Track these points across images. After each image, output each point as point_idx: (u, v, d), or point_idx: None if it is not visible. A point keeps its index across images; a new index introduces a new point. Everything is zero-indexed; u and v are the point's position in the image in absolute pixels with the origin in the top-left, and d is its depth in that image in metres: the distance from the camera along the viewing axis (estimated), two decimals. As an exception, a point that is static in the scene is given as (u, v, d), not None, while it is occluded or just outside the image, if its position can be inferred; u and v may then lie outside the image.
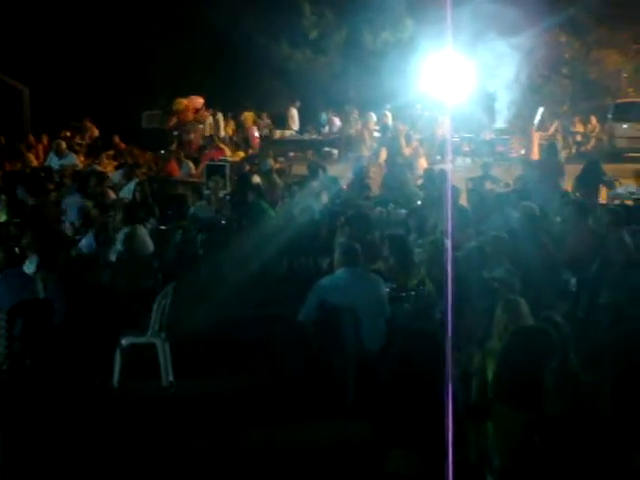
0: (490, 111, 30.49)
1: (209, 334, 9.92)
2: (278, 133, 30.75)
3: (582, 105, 33.58)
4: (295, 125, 31.29)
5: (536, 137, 26.93)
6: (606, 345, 5.19)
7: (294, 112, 31.44)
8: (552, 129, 28.47)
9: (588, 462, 4.74)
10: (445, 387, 5.58)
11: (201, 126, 28.07)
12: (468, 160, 26.77)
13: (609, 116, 30.30)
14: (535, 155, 24.72)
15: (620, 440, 4.62)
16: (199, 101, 29.28)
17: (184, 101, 29.24)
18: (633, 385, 4.71)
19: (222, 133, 29.04)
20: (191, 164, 20.15)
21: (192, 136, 26.64)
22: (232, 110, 30.62)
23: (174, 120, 28.95)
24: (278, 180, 16.83)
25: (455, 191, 12.98)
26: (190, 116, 28.87)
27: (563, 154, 29.95)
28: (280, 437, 7.53)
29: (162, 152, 23.12)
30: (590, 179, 14.41)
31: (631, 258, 9.73)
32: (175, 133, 27.74)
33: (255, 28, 30.35)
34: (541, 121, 29.14)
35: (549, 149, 16.87)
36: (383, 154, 23.73)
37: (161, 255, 11.53)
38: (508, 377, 5.07)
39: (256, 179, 16.30)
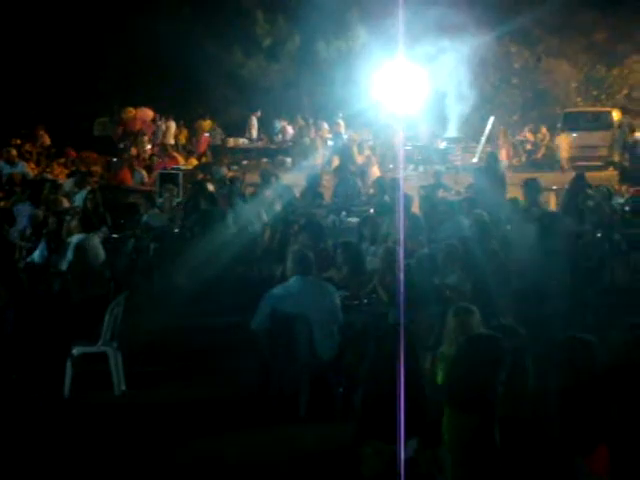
0: (442, 120, 30.72)
1: (162, 343, 9.88)
2: (231, 141, 30.73)
3: (532, 114, 33.98)
4: (255, 133, 31.32)
5: (505, 144, 27.33)
6: (554, 351, 5.25)
7: (254, 120, 31.47)
8: (501, 138, 28.79)
9: (537, 465, 4.81)
10: (398, 390, 5.66)
11: (146, 138, 27.84)
12: (420, 168, 26.95)
13: (558, 125, 30.67)
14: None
15: (566, 444, 4.69)
16: (149, 113, 29.14)
17: (133, 110, 29.10)
18: (578, 390, 4.78)
19: (172, 141, 28.91)
20: (144, 172, 20.07)
21: (134, 150, 26.40)
22: (185, 118, 30.55)
23: (120, 129, 28.77)
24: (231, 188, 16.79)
25: (407, 199, 13.06)
26: (137, 126, 28.70)
27: (514, 162, 30.39)
28: (232, 446, 7.51)
29: (114, 160, 22.99)
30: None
31: (580, 266, 9.86)
32: (121, 146, 27.52)
33: (208, 36, 30.33)
34: (492, 130, 29.43)
35: (490, 158, 17.02)
36: (336, 162, 23.81)
37: (113, 264, 11.46)
38: (460, 382, 5.12)
39: (209, 187, 16.26)
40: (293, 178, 18.50)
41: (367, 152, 23.73)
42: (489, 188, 14.05)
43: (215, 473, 7.06)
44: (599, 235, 12.68)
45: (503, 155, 26.69)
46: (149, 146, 27.08)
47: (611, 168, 27.04)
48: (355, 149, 23.68)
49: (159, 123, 29.69)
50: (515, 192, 14.89)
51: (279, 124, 31.86)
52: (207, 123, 31.18)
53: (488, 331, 5.83)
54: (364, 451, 5.53)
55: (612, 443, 4.77)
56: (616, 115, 30.42)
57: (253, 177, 20.39)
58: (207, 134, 30.16)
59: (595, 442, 4.70)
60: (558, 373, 4.99)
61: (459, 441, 5.02)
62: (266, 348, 8.36)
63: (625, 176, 21.37)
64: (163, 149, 25.85)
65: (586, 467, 4.65)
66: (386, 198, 14.10)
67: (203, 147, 28.77)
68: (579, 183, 14.31)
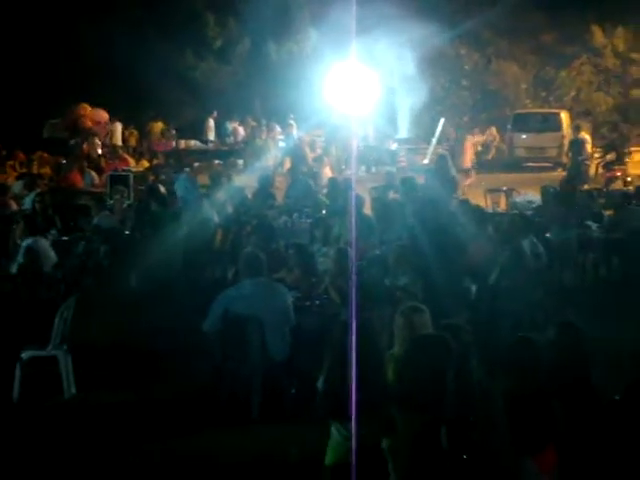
0: (393, 121, 30.86)
1: (113, 345, 9.82)
2: (183, 143, 30.60)
3: (482, 116, 34.29)
4: (212, 135, 31.20)
5: (469, 144, 27.54)
6: (503, 351, 5.30)
7: (211, 122, 31.37)
8: (452, 136, 28.97)
9: (484, 465, 4.86)
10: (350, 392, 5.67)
11: (97, 139, 27.60)
12: (372, 169, 27.06)
13: (508, 126, 30.99)
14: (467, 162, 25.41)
15: (514, 444, 4.74)
16: (103, 115, 28.87)
17: (87, 107, 28.79)
18: (524, 391, 4.83)
19: (119, 142, 28.68)
20: (94, 174, 19.89)
21: (85, 146, 26.14)
22: (137, 120, 30.36)
23: (71, 125, 28.40)
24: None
25: (359, 200, 13.10)
26: (89, 124, 28.41)
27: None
28: (184, 448, 7.49)
29: (64, 162, 22.76)
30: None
31: (529, 266, 9.97)
32: (72, 142, 27.23)
33: (159, 38, 30.19)
34: (442, 132, 29.62)
35: (441, 160, 17.16)
36: (287, 164, 23.83)
37: (63, 266, 11.37)
38: (407, 382, 5.15)
39: (161, 189, 16.18)
40: (245, 179, 18.46)
41: (319, 152, 23.77)
42: (440, 189, 14.16)
43: (166, 475, 7.03)
44: (548, 235, 12.85)
45: (467, 159, 26.93)
46: (99, 149, 26.85)
47: (560, 169, 27.38)
48: (307, 150, 23.70)
49: (107, 125, 29.47)
50: (468, 194, 15.03)
51: (231, 126, 31.80)
52: (158, 125, 31.02)
53: (435, 331, 5.87)
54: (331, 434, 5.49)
55: (559, 443, 4.83)
56: (565, 117, 30.81)
57: (205, 179, 20.31)
58: (161, 137, 30.04)
59: (543, 442, 4.76)
60: (505, 373, 5.04)
61: (405, 441, 5.05)
62: (218, 350, 8.35)
63: (570, 176, 21.63)
64: (113, 151, 25.63)
65: (534, 467, 4.71)
66: (337, 199, 14.15)
67: (159, 149, 28.62)
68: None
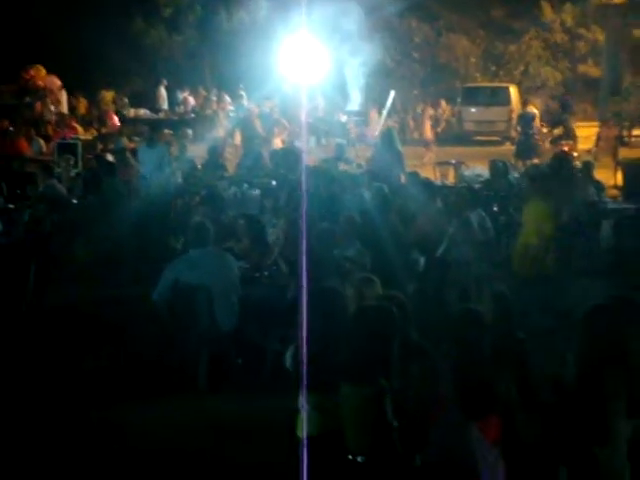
0: (344, 93, 30.87)
1: (60, 314, 9.75)
2: (132, 112, 30.28)
3: (432, 89, 34.40)
4: (164, 104, 30.88)
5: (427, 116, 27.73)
6: (450, 323, 5.37)
7: (162, 91, 31.05)
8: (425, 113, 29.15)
9: (429, 431, 4.95)
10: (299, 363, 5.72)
11: (49, 99, 27.19)
12: (323, 141, 27.07)
13: (458, 100, 31.15)
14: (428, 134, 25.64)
15: (460, 409, 4.83)
16: (55, 82, 28.37)
17: (41, 69, 28.24)
18: (469, 361, 4.92)
19: (65, 110, 28.27)
20: (42, 142, 19.68)
21: (38, 106, 25.73)
22: (85, 88, 29.94)
23: (23, 84, 27.86)
24: (131, 160, 16.62)
25: (309, 172, 13.10)
26: (41, 85, 27.91)
27: (414, 136, 30.77)
28: (130, 416, 7.49)
29: (10, 129, 22.43)
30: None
31: (476, 239, 10.08)
32: (25, 101, 26.72)
33: (108, 3, 29.79)
34: (393, 104, 29.67)
35: (386, 134, 17.20)
36: (238, 135, 23.74)
37: (9, 234, 11.25)
38: (351, 353, 5.21)
39: (109, 158, 16.06)
40: (195, 150, 18.37)
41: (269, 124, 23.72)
42: (388, 161, 14.22)
43: (113, 442, 7.03)
44: (495, 209, 12.98)
45: (428, 131, 27.11)
46: (52, 113, 26.49)
47: (508, 143, 27.61)
48: (256, 121, 23.63)
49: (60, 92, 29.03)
50: (416, 167, 15.11)
51: (181, 95, 31.55)
52: (110, 94, 30.64)
53: (378, 302, 5.90)
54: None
55: (503, 414, 4.94)
56: (514, 91, 31.04)
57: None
58: (111, 106, 29.70)
59: (486, 409, 4.86)
60: (451, 343, 5.12)
61: (350, 414, 5.12)
62: (167, 319, 8.35)
63: (519, 150, 21.86)
64: (61, 119, 25.28)
65: (478, 432, 4.80)
66: (285, 170, 14.15)
67: (110, 118, 28.29)
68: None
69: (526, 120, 22.73)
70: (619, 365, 5.00)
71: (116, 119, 27.62)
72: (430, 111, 29.84)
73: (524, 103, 25.03)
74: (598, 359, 4.85)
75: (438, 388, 4.89)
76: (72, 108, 28.87)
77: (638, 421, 5.18)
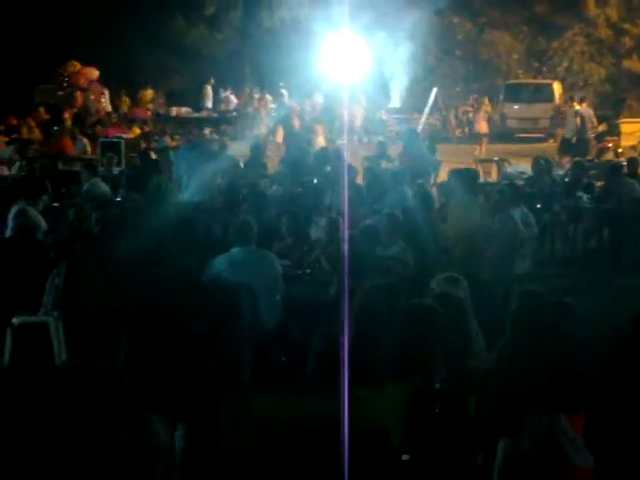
0: (385, 91, 30.80)
1: (104, 312, 9.79)
2: (174, 110, 30.47)
3: (475, 86, 34.20)
4: (209, 102, 31.04)
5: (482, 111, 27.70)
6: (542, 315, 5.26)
7: (209, 90, 31.22)
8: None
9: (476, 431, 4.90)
10: (342, 360, 5.71)
11: (93, 97, 27.44)
12: (364, 139, 27.03)
13: (501, 97, 30.93)
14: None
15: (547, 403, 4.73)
16: (94, 72, 28.60)
17: (77, 65, 28.54)
18: (565, 354, 4.83)
19: (109, 108, 28.51)
20: (86, 141, 19.83)
21: (79, 99, 25.94)
22: (126, 86, 30.16)
23: (64, 82, 28.13)
24: (174, 158, 16.70)
25: (351, 170, 13.09)
26: (82, 82, 28.15)
27: (457, 133, 30.61)
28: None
29: (55, 128, 22.66)
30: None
31: (519, 236, 10.00)
32: (63, 93, 26.91)
33: (150, 3, 29.96)
34: (435, 101, 29.57)
35: (409, 135, 17.16)
36: (280, 132, 23.78)
37: (54, 232, 11.33)
38: (394, 352, 5.19)
39: (152, 156, 16.14)
40: (237, 148, 18.41)
41: (310, 122, 23.75)
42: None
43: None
44: (539, 206, 12.88)
45: (482, 126, 27.03)
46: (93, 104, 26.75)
47: (552, 140, 27.37)
48: (296, 119, 23.68)
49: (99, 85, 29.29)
50: (458, 163, 15.03)
51: (223, 93, 31.67)
52: (149, 92, 30.85)
53: (424, 301, 5.86)
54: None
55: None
56: (557, 87, 30.75)
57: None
58: (149, 104, 29.91)
59: (578, 404, 4.76)
60: (543, 336, 5.00)
61: (395, 411, 5.10)
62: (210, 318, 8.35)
63: (564, 148, 21.67)
64: (106, 118, 25.51)
65: (567, 424, 4.69)
66: (328, 168, 14.15)
67: (146, 116, 28.50)
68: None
69: (580, 118, 22.46)
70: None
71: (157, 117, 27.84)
72: (486, 106, 29.60)
73: (580, 100, 24.70)
74: None
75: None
76: (115, 107, 29.13)
77: None
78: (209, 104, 31.10)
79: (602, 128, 23.53)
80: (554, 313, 5.18)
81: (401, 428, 5.15)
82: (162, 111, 29.93)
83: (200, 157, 14.69)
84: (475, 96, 30.96)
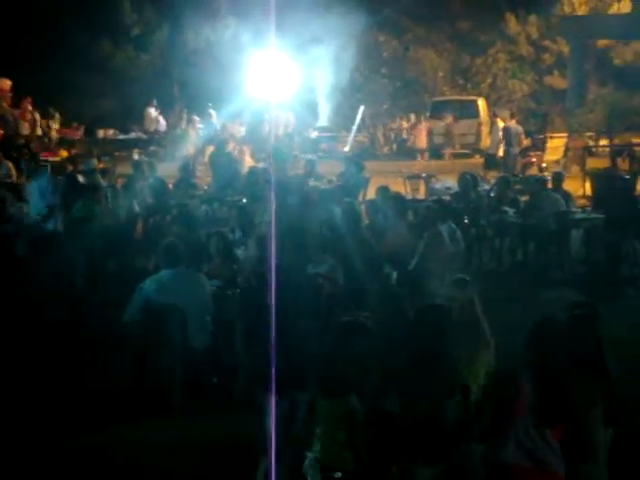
0: (313, 110, 30.96)
1: (32, 338, 9.65)
2: (102, 132, 30.21)
3: (402, 103, 34.57)
4: (152, 125, 30.62)
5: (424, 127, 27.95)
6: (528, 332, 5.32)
7: (150, 112, 30.82)
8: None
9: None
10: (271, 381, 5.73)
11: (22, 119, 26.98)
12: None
13: (427, 114, 31.31)
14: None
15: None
16: (6, 83, 27.92)
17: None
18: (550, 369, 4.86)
19: (39, 132, 28.11)
20: (10, 164, 19.53)
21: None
22: (55, 109, 29.80)
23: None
24: (102, 180, 16.57)
25: (280, 189, 13.12)
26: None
27: (385, 150, 30.90)
28: (106, 439, 7.45)
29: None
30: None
31: (448, 251, 10.13)
32: None
33: (75, 26, 29.69)
34: (362, 119, 29.82)
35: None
36: (209, 152, 23.73)
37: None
38: (329, 367, 5.23)
39: (79, 179, 15.96)
40: (166, 169, 18.32)
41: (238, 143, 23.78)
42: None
43: (88, 467, 6.97)
44: (466, 221, 13.05)
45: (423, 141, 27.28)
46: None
47: (477, 155, 27.77)
48: (229, 139, 23.67)
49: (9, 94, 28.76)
50: (385, 181, 15.13)
51: (152, 114, 31.45)
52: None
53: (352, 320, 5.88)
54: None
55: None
56: (482, 104, 31.23)
57: (125, 168, 20.13)
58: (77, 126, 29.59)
59: (561, 418, 4.81)
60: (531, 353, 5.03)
61: (329, 427, 5.14)
62: (139, 341, 8.32)
63: (489, 163, 22.04)
64: (36, 140, 25.20)
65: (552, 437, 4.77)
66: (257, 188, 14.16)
67: (76, 137, 28.16)
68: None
69: (509, 134, 22.82)
70: (594, 374, 5.04)
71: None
72: (426, 123, 29.95)
73: (511, 116, 25.14)
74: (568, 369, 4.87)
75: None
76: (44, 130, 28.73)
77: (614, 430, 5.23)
78: (152, 126, 30.65)
79: (527, 143, 23.96)
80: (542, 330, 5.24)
81: (332, 445, 5.16)
82: (78, 133, 29.47)
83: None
84: (414, 112, 31.36)
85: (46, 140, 26.48)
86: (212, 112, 29.16)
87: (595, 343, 5.21)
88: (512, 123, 23.87)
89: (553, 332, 5.11)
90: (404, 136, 31.93)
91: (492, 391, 4.70)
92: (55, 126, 29.40)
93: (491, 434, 4.64)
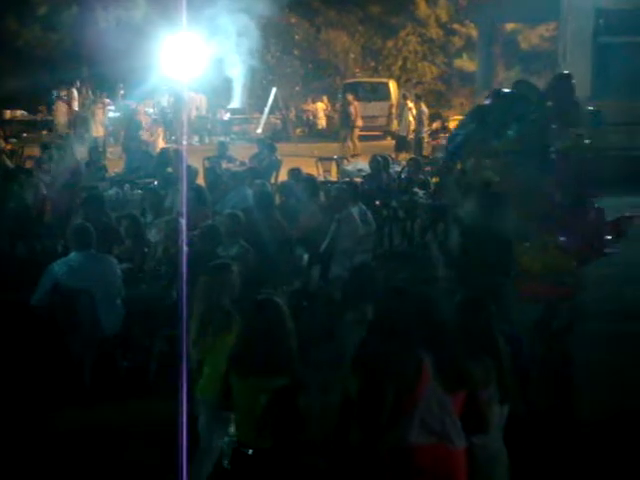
0: (226, 91, 30.83)
1: None
2: (9, 113, 29.60)
3: (314, 85, 34.65)
4: (76, 105, 29.97)
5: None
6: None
7: (75, 93, 30.16)
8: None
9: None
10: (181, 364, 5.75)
11: None
12: (206, 140, 27.00)
13: (339, 95, 31.45)
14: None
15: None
16: None
17: None
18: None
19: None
20: None
21: None
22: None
23: None
24: (8, 162, 16.29)
25: (191, 171, 13.07)
26: None
27: (297, 132, 30.94)
28: (20, 427, 7.36)
29: None
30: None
31: (358, 233, 10.22)
32: None
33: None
34: (275, 101, 29.80)
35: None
36: (121, 134, 23.49)
37: None
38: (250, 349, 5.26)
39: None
40: (75, 151, 18.05)
41: (150, 124, 23.56)
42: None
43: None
44: (377, 203, 13.19)
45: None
46: None
47: (389, 137, 28.03)
48: (144, 120, 23.44)
49: None
50: (298, 163, 15.20)
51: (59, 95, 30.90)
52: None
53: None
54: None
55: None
56: (393, 86, 31.48)
57: (33, 150, 19.79)
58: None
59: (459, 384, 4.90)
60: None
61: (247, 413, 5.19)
62: (48, 324, 8.22)
63: (400, 145, 22.28)
64: None
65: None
66: (169, 170, 14.10)
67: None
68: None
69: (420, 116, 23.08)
70: (488, 353, 5.16)
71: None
72: (337, 104, 29.86)
73: (417, 98, 25.39)
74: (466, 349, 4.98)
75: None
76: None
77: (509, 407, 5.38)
78: (75, 107, 30.05)
79: (437, 125, 24.29)
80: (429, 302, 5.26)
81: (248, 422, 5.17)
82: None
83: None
84: (326, 94, 31.43)
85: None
86: (122, 93, 28.83)
87: (485, 323, 5.33)
88: (421, 106, 24.15)
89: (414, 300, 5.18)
90: (316, 118, 32.05)
91: (392, 373, 4.72)
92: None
93: (395, 418, 4.68)
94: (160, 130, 23.12)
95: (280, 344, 5.24)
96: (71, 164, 14.93)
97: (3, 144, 20.22)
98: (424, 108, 24.08)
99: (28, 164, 16.59)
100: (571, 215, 8.13)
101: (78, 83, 30.52)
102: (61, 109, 29.63)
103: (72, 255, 8.39)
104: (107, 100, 29.21)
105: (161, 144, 21.03)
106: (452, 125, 24.21)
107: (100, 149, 17.73)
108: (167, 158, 15.35)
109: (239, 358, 5.33)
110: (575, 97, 8.57)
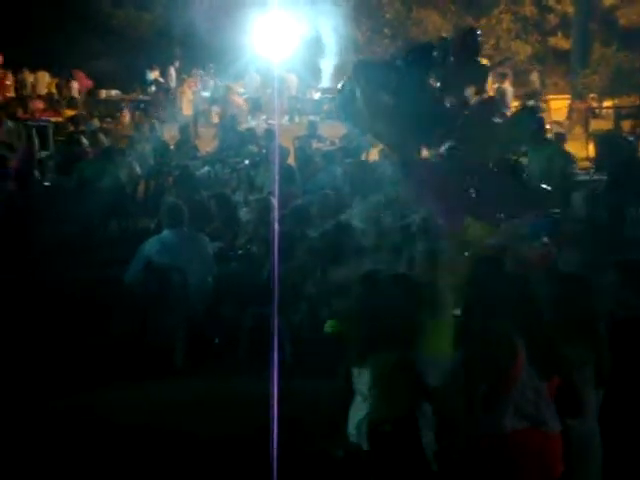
0: (316, 70, 30.80)
1: (36, 297, 9.71)
2: (103, 93, 30.05)
3: (404, 64, 34.31)
4: (173, 84, 30.46)
5: None
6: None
7: (172, 71, 30.66)
8: None
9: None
10: (272, 341, 5.75)
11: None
12: (296, 119, 27.00)
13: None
14: None
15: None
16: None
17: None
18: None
19: (41, 92, 28.00)
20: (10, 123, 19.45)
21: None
22: (53, 69, 29.63)
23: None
24: (104, 140, 16.57)
25: (282, 150, 13.12)
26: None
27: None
28: (111, 398, 7.50)
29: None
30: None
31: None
32: None
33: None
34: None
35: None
36: (214, 114, 23.68)
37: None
38: (374, 324, 5.21)
39: (82, 141, 15.95)
40: (168, 130, 18.28)
41: (241, 102, 23.70)
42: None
43: (91, 428, 7.01)
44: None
45: None
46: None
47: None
48: (238, 100, 23.61)
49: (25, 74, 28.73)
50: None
51: (151, 75, 31.29)
52: (80, 74, 30.33)
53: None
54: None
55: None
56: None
57: (126, 129, 20.11)
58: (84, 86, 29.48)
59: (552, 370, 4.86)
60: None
61: (382, 381, 5.14)
62: (141, 301, 8.36)
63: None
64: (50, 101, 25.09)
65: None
66: (254, 149, 14.15)
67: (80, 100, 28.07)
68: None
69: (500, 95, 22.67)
70: (587, 334, 5.06)
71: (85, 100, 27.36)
72: None
73: (502, 77, 24.91)
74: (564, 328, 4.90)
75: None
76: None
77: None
78: (173, 86, 30.51)
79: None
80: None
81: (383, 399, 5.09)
82: (92, 93, 29.41)
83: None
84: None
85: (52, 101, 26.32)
86: (213, 72, 29.00)
87: (587, 306, 5.21)
88: (505, 85, 23.70)
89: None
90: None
91: (488, 358, 4.64)
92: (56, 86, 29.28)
93: (492, 403, 4.62)
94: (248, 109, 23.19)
95: (410, 317, 5.23)
96: (160, 144, 15.13)
97: (98, 123, 20.54)
98: (508, 86, 23.60)
99: (123, 143, 16.83)
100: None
101: (177, 63, 30.86)
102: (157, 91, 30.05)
103: (164, 233, 8.50)
104: (198, 79, 29.42)
105: (252, 123, 21.11)
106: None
107: (190, 129, 17.81)
108: (254, 137, 15.42)
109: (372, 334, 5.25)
110: None
